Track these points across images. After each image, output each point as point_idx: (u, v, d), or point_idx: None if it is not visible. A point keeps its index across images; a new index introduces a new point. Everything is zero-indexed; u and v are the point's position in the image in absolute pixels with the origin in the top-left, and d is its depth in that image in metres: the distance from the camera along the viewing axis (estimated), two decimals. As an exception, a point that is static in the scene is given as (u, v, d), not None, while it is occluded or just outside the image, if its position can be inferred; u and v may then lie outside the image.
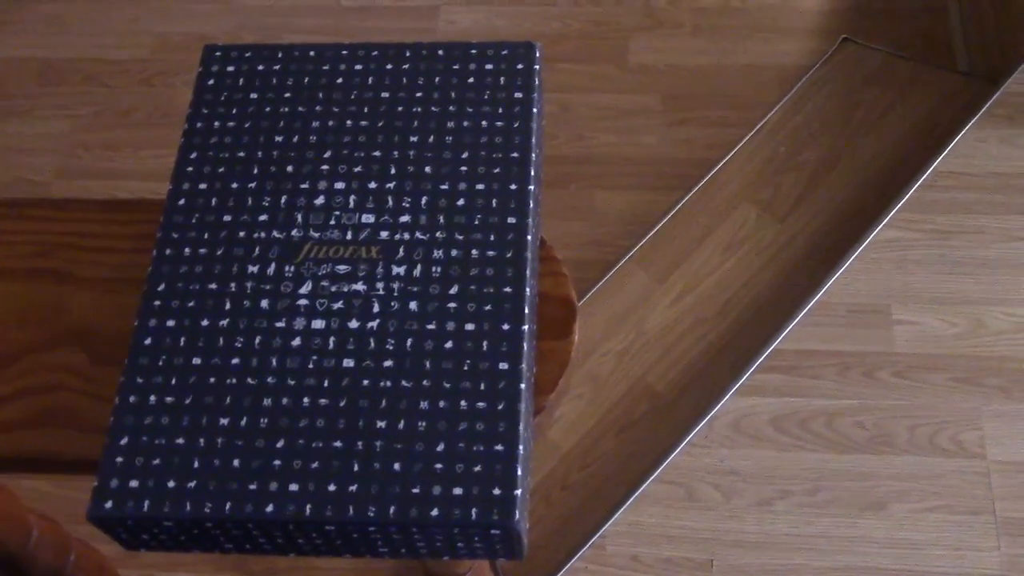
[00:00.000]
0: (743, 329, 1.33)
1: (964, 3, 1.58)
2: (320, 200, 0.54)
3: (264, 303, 0.51)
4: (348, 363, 0.49)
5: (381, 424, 0.48)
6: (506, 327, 0.50)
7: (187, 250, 0.53)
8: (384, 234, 0.52)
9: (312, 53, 0.58)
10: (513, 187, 0.53)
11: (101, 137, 1.56)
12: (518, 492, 0.46)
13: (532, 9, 1.65)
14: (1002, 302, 1.31)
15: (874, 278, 1.34)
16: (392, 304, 0.51)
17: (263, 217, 0.53)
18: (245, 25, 1.66)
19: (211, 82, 0.58)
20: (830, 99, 1.51)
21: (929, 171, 1.41)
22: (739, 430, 1.25)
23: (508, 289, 0.51)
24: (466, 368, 0.49)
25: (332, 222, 0.53)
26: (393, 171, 0.54)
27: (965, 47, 1.54)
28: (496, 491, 0.46)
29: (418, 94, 0.57)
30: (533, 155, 0.54)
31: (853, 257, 1.35)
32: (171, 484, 0.47)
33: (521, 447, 0.47)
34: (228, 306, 0.51)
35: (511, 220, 0.52)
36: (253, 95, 0.57)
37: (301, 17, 1.66)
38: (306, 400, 0.48)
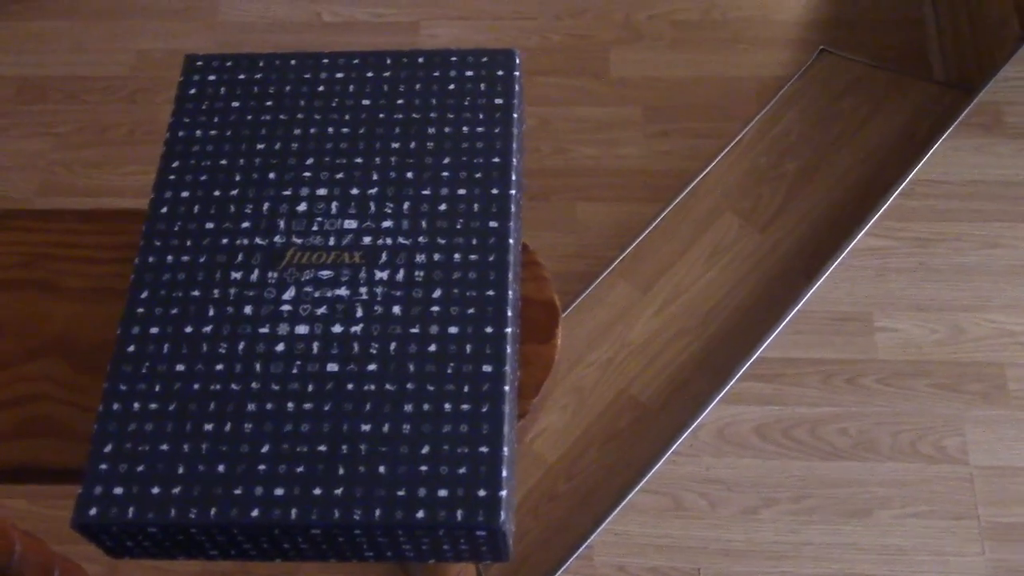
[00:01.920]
0: (726, 338, 1.34)
1: (940, 14, 1.60)
2: (302, 207, 0.54)
3: (247, 309, 0.51)
4: (332, 367, 0.49)
5: (365, 427, 0.48)
6: (489, 330, 0.50)
7: (170, 258, 0.53)
8: (367, 239, 0.53)
9: (293, 62, 0.59)
10: (495, 192, 0.54)
11: (82, 155, 1.55)
12: (503, 493, 0.46)
13: (512, 23, 1.66)
14: (982, 308, 1.32)
15: (855, 286, 1.35)
16: (375, 308, 0.51)
17: (246, 224, 0.53)
18: (226, 42, 1.66)
19: (193, 91, 0.58)
20: (809, 109, 1.52)
21: (907, 180, 1.42)
22: (724, 439, 1.25)
23: (491, 292, 0.51)
24: (450, 371, 0.49)
25: (315, 228, 0.53)
26: (375, 177, 0.55)
27: (941, 57, 1.56)
28: (481, 492, 0.46)
29: (399, 101, 0.57)
30: (514, 160, 0.55)
31: (834, 266, 1.36)
32: (156, 490, 0.47)
33: (506, 448, 0.47)
34: (211, 312, 0.51)
35: (493, 224, 0.53)
36: (235, 104, 0.57)
37: (282, 33, 1.67)
38: (290, 405, 0.49)
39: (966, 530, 1.18)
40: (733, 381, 1.29)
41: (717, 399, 1.28)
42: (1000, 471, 1.21)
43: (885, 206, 1.40)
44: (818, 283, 1.35)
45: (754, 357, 1.30)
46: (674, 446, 1.25)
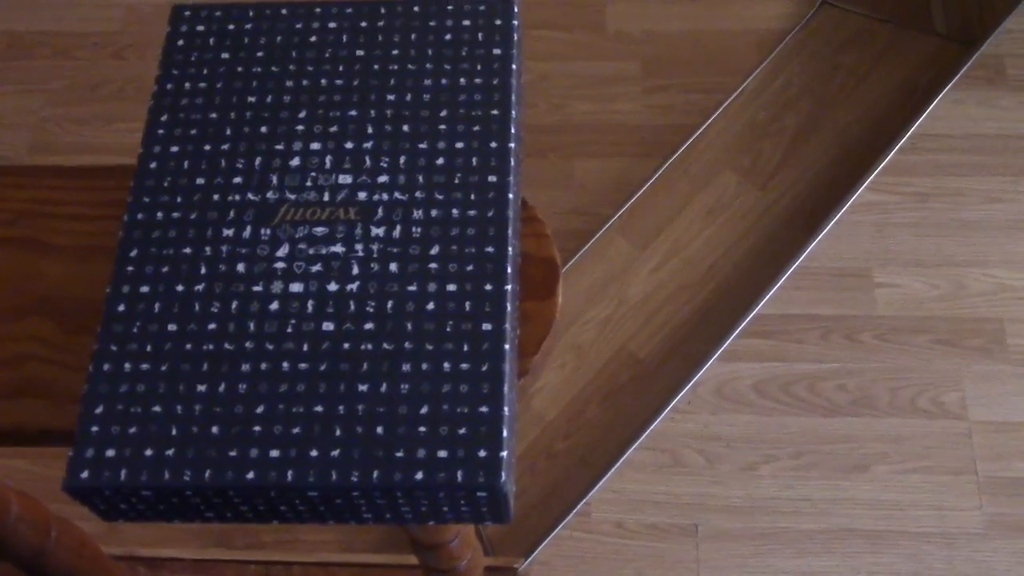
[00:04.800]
0: (725, 295, 1.33)
1: (942, -35, 1.57)
2: (295, 161, 0.52)
3: (240, 267, 0.50)
4: (328, 326, 0.48)
5: (363, 387, 0.47)
6: (489, 287, 0.49)
7: (160, 214, 0.51)
8: (362, 195, 0.51)
9: (284, 11, 0.57)
10: (493, 145, 0.52)
11: (72, 111, 1.53)
12: (504, 453, 0.45)
13: (508, -24, 1.63)
14: (982, 263, 1.31)
15: (855, 242, 1.34)
16: (372, 266, 0.49)
17: (237, 179, 0.52)
18: (216, -5, 1.63)
19: (180, 43, 0.56)
20: (809, 63, 1.50)
21: (908, 134, 1.41)
22: (722, 395, 1.25)
23: (490, 249, 0.50)
24: (448, 329, 0.48)
25: (308, 183, 0.52)
26: (370, 130, 0.53)
27: (943, 10, 1.54)
28: (482, 453, 0.45)
29: (394, 52, 0.55)
30: (513, 112, 0.53)
31: (834, 221, 1.35)
32: (148, 452, 0.46)
33: (506, 408, 0.46)
34: (203, 270, 0.50)
35: (492, 179, 0.51)
36: (224, 55, 0.55)
37: (273, -13, 1.64)
38: (285, 365, 0.47)
39: (964, 485, 1.18)
40: (732, 338, 1.28)
41: (716, 356, 1.27)
42: (999, 426, 1.21)
43: (885, 161, 1.39)
44: (818, 239, 1.34)
45: (753, 314, 1.30)
46: (672, 403, 1.25)
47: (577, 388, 1.28)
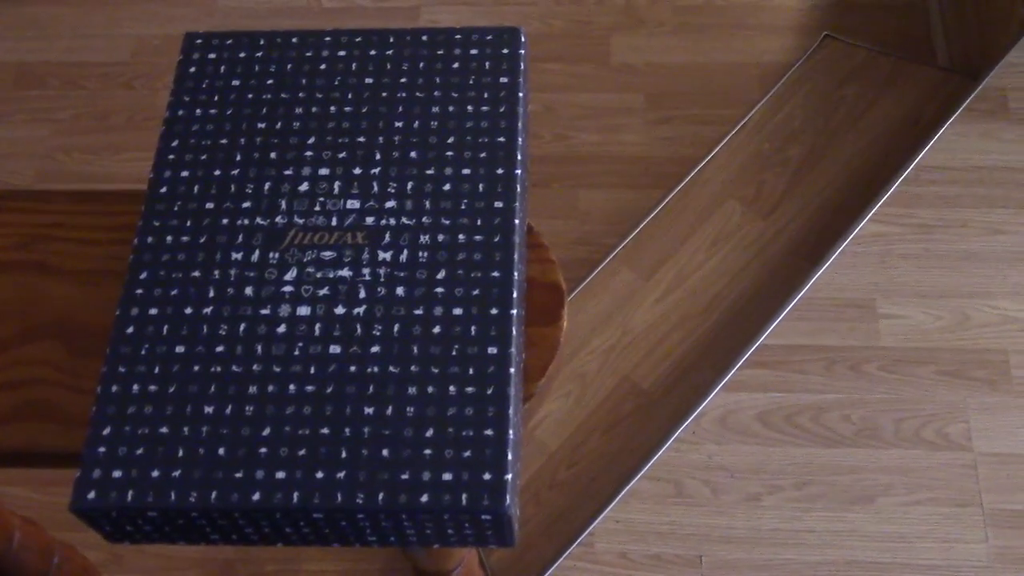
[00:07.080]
0: (729, 325, 1.33)
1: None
2: (304, 186, 0.53)
3: (248, 290, 0.50)
4: (335, 349, 0.48)
5: (369, 410, 0.47)
6: (494, 311, 0.49)
7: (169, 238, 0.52)
8: (370, 220, 0.52)
9: (295, 39, 0.58)
10: (500, 171, 0.53)
11: (81, 141, 1.54)
12: (508, 477, 0.45)
13: (513, 8, 1.65)
14: (986, 295, 1.31)
15: (859, 273, 1.34)
16: (379, 290, 0.50)
17: (246, 204, 0.52)
18: (225, 27, 1.65)
19: (192, 69, 0.57)
20: (812, 95, 1.51)
21: (912, 166, 1.41)
22: (726, 426, 1.25)
23: (496, 273, 0.50)
24: (454, 353, 0.48)
25: (317, 208, 0.52)
26: (378, 156, 0.54)
27: (945, 42, 1.55)
28: (486, 476, 0.45)
29: (402, 80, 0.56)
30: (519, 139, 0.54)
31: (838, 252, 1.35)
32: (155, 474, 0.46)
33: (511, 432, 0.46)
34: (212, 293, 0.50)
35: (498, 204, 0.52)
36: (235, 82, 0.56)
37: (281, 19, 1.66)
38: (292, 387, 0.48)
39: (970, 517, 1.18)
40: (736, 368, 1.28)
41: (720, 386, 1.27)
42: (1004, 458, 1.21)
43: (889, 192, 1.39)
44: (821, 270, 1.34)
45: (757, 344, 1.30)
46: (676, 433, 1.25)
47: (580, 418, 1.28)
